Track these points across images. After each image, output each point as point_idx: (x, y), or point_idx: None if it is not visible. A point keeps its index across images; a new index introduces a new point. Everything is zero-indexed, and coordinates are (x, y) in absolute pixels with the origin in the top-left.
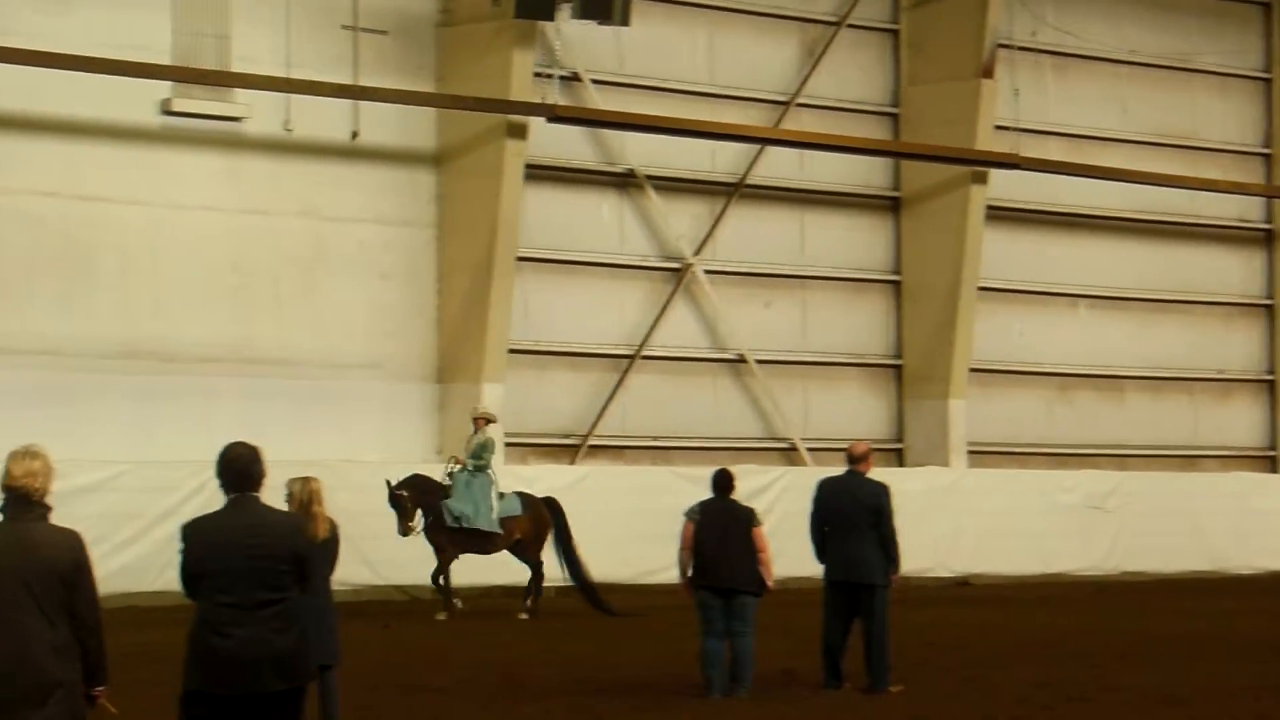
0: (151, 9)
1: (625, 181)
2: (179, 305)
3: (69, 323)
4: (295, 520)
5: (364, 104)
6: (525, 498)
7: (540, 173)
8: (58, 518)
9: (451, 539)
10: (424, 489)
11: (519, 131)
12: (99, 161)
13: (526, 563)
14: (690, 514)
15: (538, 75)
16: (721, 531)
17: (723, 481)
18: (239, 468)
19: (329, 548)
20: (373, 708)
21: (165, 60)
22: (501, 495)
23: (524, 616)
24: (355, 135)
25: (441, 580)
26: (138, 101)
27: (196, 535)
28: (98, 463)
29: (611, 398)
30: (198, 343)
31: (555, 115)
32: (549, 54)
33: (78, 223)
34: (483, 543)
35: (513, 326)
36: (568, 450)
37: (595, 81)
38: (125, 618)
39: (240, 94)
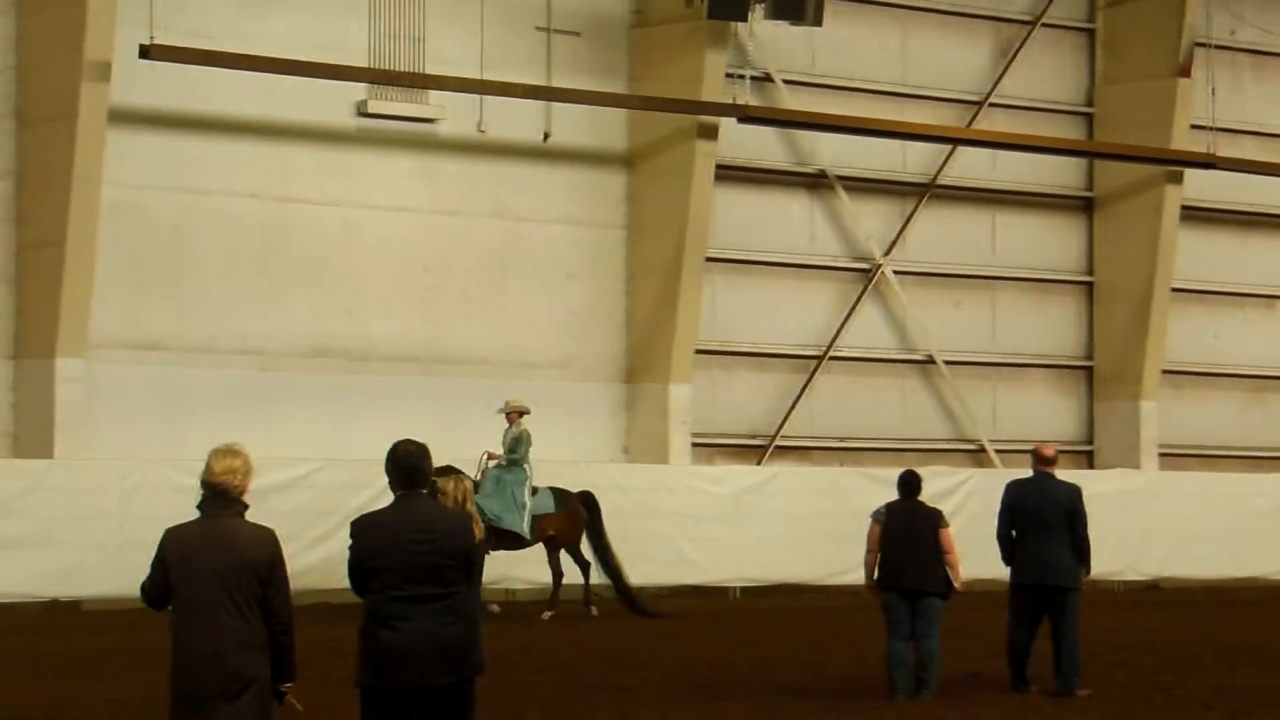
0: (348, 12)
1: (815, 182)
2: (371, 305)
3: (266, 322)
4: (462, 517)
5: (556, 105)
6: (559, 493)
7: (730, 173)
8: (253, 514)
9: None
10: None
11: (710, 132)
12: (296, 163)
13: (554, 560)
14: (876, 516)
15: (729, 76)
16: (908, 533)
17: (910, 483)
18: (408, 465)
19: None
20: (558, 706)
21: (361, 63)
22: (535, 491)
23: (593, 612)
24: (547, 136)
25: None
26: (334, 103)
27: (365, 532)
28: (292, 460)
29: (799, 398)
30: (389, 342)
31: (746, 116)
32: (741, 54)
33: (275, 223)
34: (513, 540)
35: (701, 327)
36: (754, 451)
37: (787, 82)
38: (317, 614)
39: (434, 95)
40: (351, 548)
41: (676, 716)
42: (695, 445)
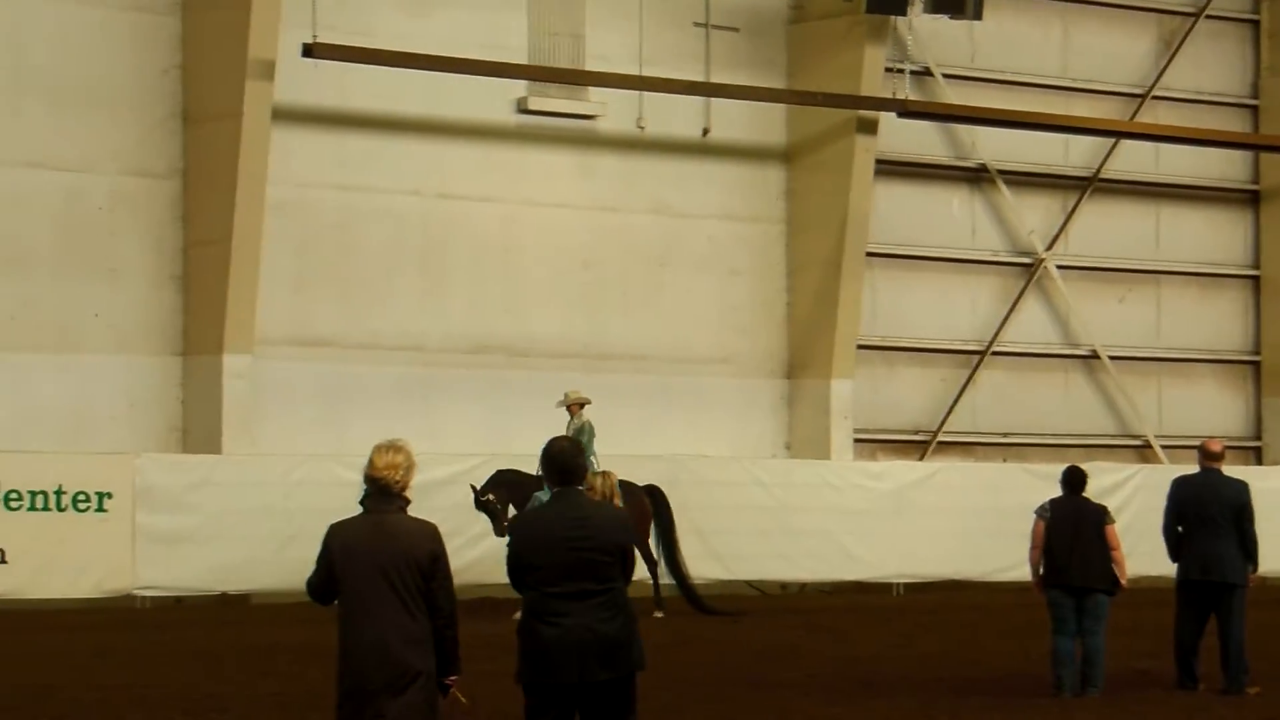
0: (508, 10)
1: (976, 176)
2: (531, 301)
3: (427, 319)
4: (618, 513)
5: (715, 100)
6: (625, 487)
7: (890, 168)
8: (415, 509)
9: None
10: (513, 484)
11: (869, 127)
12: (457, 160)
13: (642, 557)
14: (1041, 512)
15: (888, 70)
16: (1073, 530)
17: (1074, 479)
18: (562, 461)
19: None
20: (719, 702)
21: (521, 60)
22: None
23: (658, 615)
24: (706, 132)
25: None
26: (495, 101)
27: (523, 529)
28: (453, 456)
29: (961, 394)
30: (549, 338)
31: (906, 110)
32: (900, 48)
33: (436, 220)
34: None
35: (862, 322)
36: (917, 446)
37: (947, 76)
38: (479, 608)
39: (594, 92)
40: (510, 544)
41: (838, 713)
42: (857, 441)
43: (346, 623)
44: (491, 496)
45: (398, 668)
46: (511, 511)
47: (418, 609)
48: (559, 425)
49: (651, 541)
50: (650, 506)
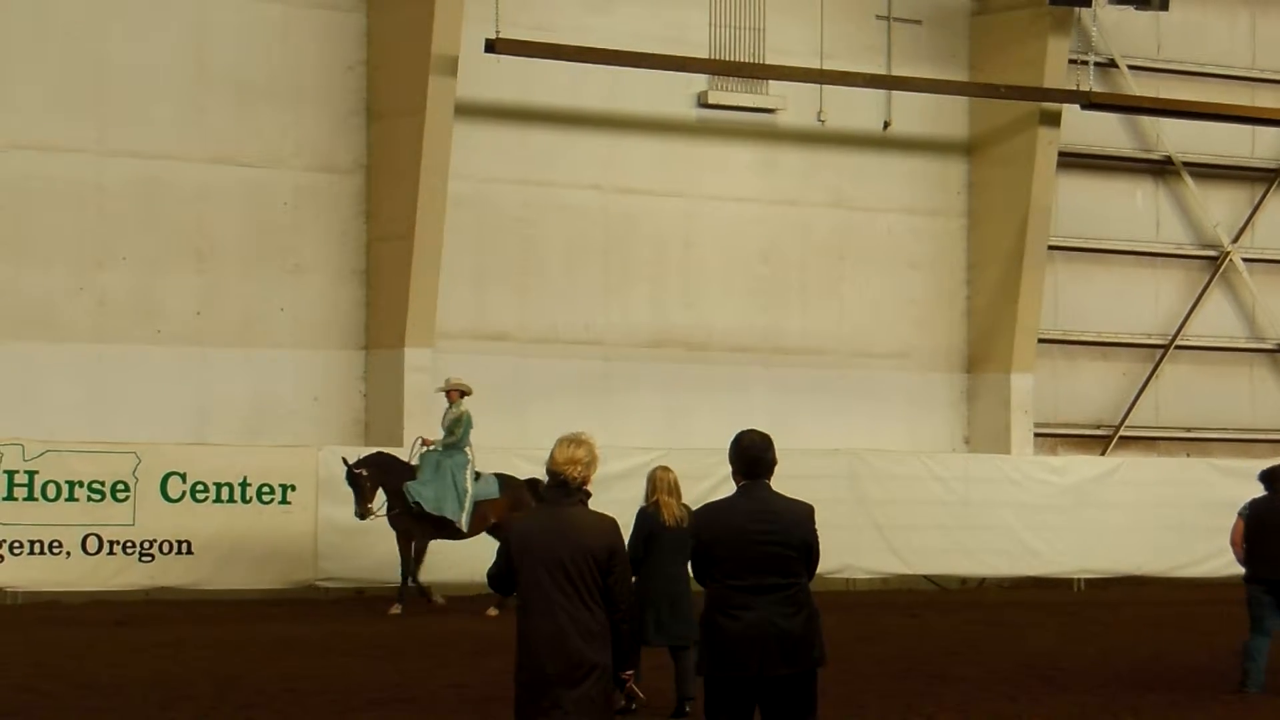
0: (689, 4)
1: (1161, 168)
2: (710, 295)
3: (607, 313)
4: (804, 508)
5: (896, 94)
6: (505, 479)
7: (1073, 160)
8: (595, 503)
9: (417, 524)
10: (387, 468)
11: (1052, 119)
12: (637, 154)
13: None
14: (1242, 511)
15: (1072, 62)
16: (1273, 528)
17: (1273, 478)
18: (751, 455)
19: (685, 534)
20: (899, 697)
21: (702, 54)
22: (478, 476)
23: (493, 612)
24: (887, 125)
25: (409, 576)
26: (675, 95)
27: (707, 522)
28: (632, 449)
29: (1144, 388)
30: (728, 332)
31: (1090, 102)
32: (1084, 40)
33: (617, 214)
34: (453, 528)
35: (1043, 315)
36: (1099, 441)
37: (1131, 67)
38: None
39: (774, 86)
40: (695, 537)
41: (1019, 709)
42: (1037, 435)
43: (525, 614)
44: (364, 472)
45: (574, 660)
46: (381, 498)
47: (594, 602)
48: (738, 420)
49: None
50: (531, 500)
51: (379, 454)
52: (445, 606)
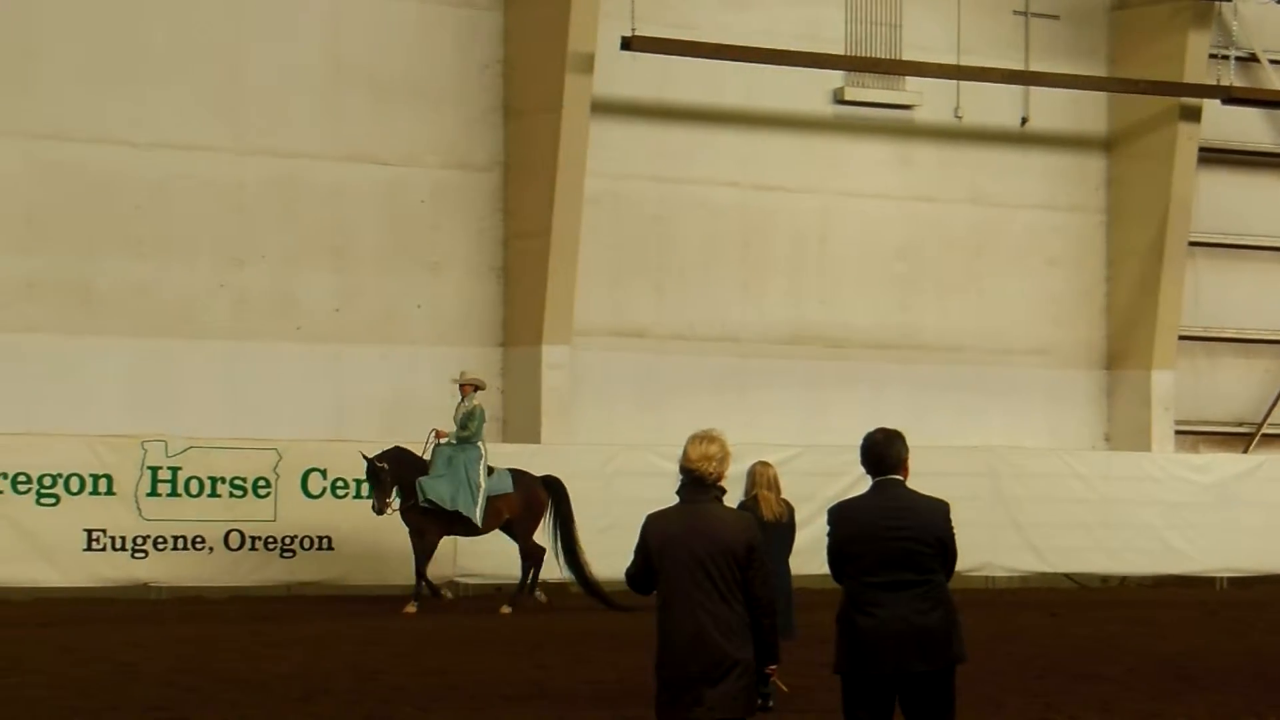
0: (825, 1)
1: None
2: (846, 292)
3: (743, 310)
4: (939, 505)
5: (1034, 89)
6: (518, 475)
7: (1214, 155)
8: (730, 500)
9: (431, 520)
10: (406, 463)
11: (1193, 114)
12: (773, 151)
13: (520, 547)
14: None
15: (1212, 56)
16: None
17: None
18: (877, 452)
19: (785, 529)
20: (1040, 695)
21: (838, 50)
22: (491, 471)
23: (506, 610)
24: (1025, 121)
25: (421, 571)
26: (812, 91)
27: (842, 519)
28: (769, 446)
29: None
30: (865, 329)
31: (1231, 97)
32: (1224, 34)
33: (753, 211)
34: (466, 524)
35: (1183, 312)
36: (1240, 439)
37: (1273, 61)
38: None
39: (911, 82)
40: (830, 534)
41: (1160, 709)
42: (1178, 433)
43: (665, 612)
44: (385, 466)
45: (715, 656)
46: (396, 494)
47: (734, 599)
48: (875, 417)
49: (542, 534)
50: (546, 497)
51: (397, 448)
52: (454, 601)
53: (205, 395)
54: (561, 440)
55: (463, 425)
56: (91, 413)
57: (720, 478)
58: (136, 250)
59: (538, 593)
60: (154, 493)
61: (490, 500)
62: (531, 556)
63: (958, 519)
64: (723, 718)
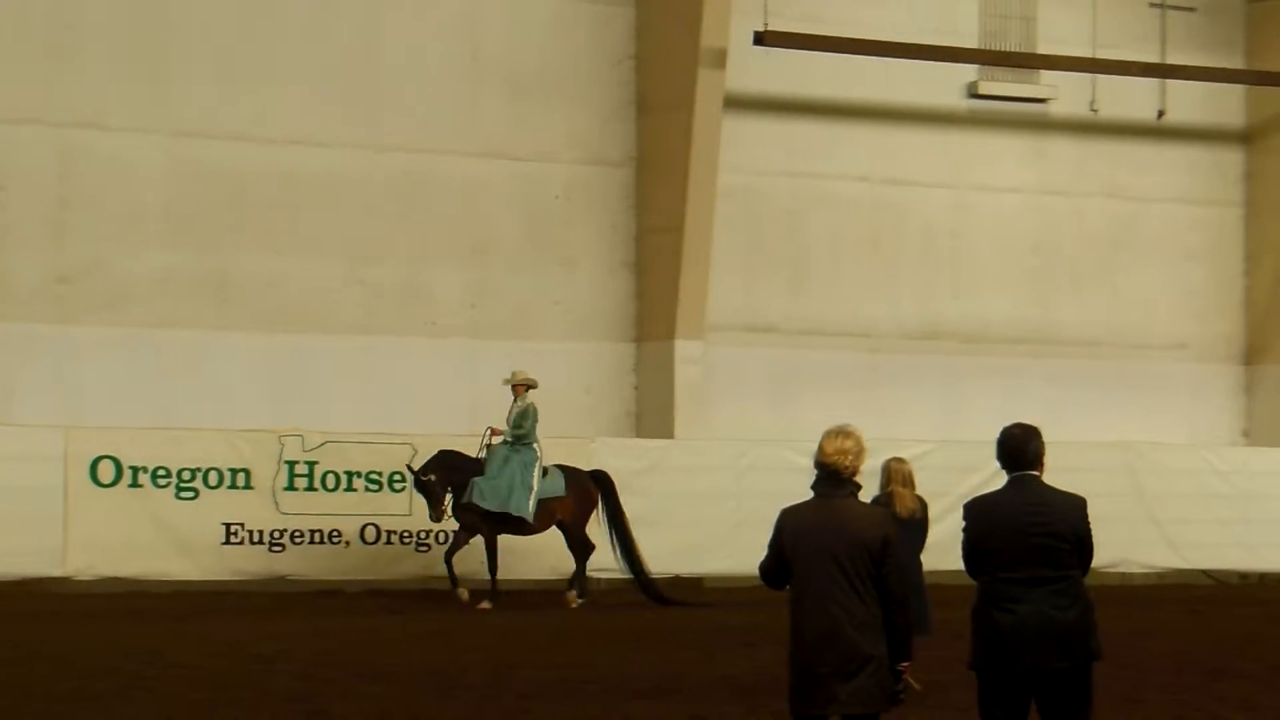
0: None
1: None
2: (980, 287)
3: (876, 304)
4: (1076, 501)
5: (1170, 82)
6: (570, 473)
7: None
8: (866, 496)
9: (483, 519)
10: (453, 467)
11: None
12: (907, 145)
13: (570, 547)
14: None
15: None
16: None
17: None
18: (1011, 448)
19: (919, 526)
20: (1178, 691)
21: (972, 44)
22: (545, 472)
23: (578, 603)
24: (1161, 114)
25: (486, 562)
26: (945, 85)
27: (979, 514)
28: (905, 441)
29: None
30: (999, 323)
31: None
32: None
33: (885, 206)
34: (518, 524)
35: None
36: None
37: None
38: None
39: (1045, 75)
40: (966, 530)
41: None
42: None
43: (798, 607)
44: (432, 477)
45: (849, 652)
46: (449, 496)
47: (868, 594)
48: (1011, 412)
49: (594, 528)
50: (596, 491)
51: (443, 453)
52: (466, 603)
53: (338, 390)
54: (695, 435)
55: (516, 425)
56: (225, 407)
57: (855, 472)
58: (271, 245)
59: (574, 590)
60: (291, 487)
61: (543, 502)
62: (584, 552)
63: (1094, 515)
64: (856, 713)
